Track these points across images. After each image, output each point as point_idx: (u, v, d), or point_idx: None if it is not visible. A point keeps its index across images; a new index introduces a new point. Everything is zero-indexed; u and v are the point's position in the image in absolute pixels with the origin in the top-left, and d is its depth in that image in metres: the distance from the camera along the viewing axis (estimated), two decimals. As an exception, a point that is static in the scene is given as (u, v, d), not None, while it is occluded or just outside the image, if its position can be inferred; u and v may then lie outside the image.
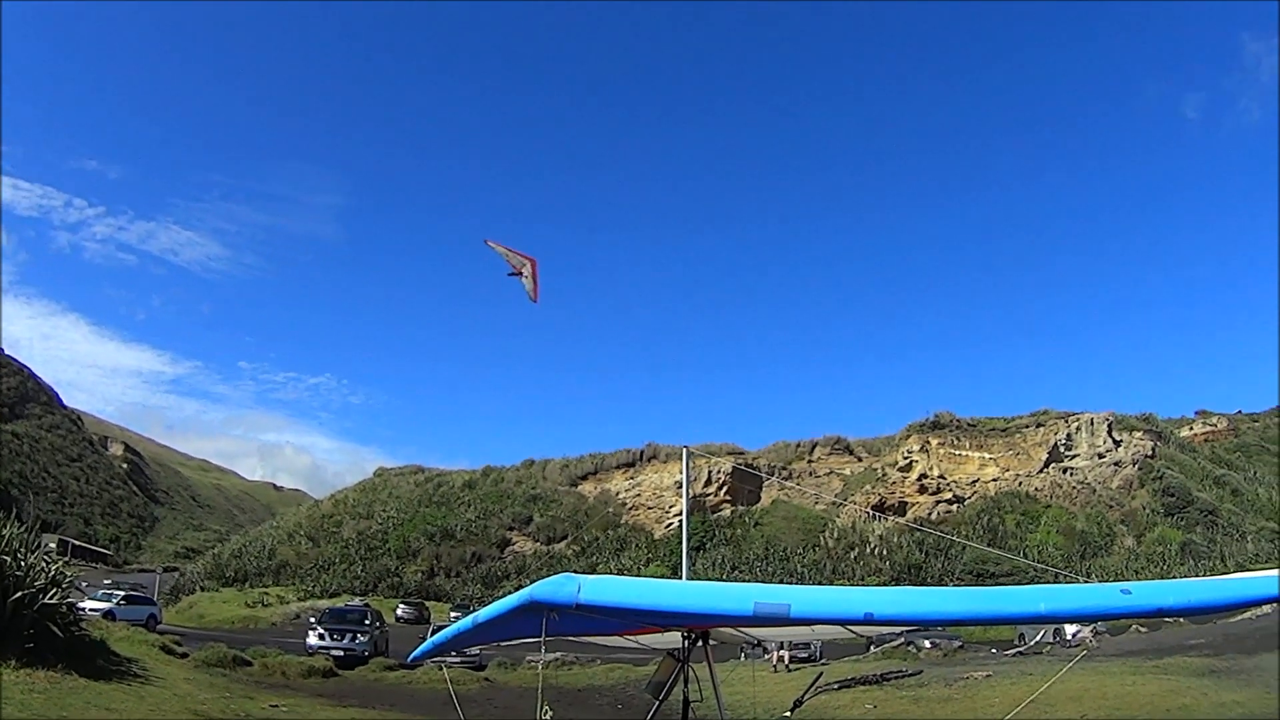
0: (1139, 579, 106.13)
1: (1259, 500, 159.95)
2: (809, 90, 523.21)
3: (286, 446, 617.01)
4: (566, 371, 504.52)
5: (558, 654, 63.77)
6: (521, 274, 41.87)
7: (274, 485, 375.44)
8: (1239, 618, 69.75)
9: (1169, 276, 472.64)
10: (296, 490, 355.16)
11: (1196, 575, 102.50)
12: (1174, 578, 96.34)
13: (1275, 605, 50.61)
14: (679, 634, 13.90)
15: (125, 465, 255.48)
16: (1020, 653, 73.25)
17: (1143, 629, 78.36)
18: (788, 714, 17.34)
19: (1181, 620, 67.54)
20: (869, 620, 10.36)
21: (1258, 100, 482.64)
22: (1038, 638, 77.12)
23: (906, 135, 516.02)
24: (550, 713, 12.79)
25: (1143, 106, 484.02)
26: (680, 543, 28.55)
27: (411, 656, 20.68)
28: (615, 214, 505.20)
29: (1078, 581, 18.64)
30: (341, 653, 61.42)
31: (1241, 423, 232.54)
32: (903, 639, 75.54)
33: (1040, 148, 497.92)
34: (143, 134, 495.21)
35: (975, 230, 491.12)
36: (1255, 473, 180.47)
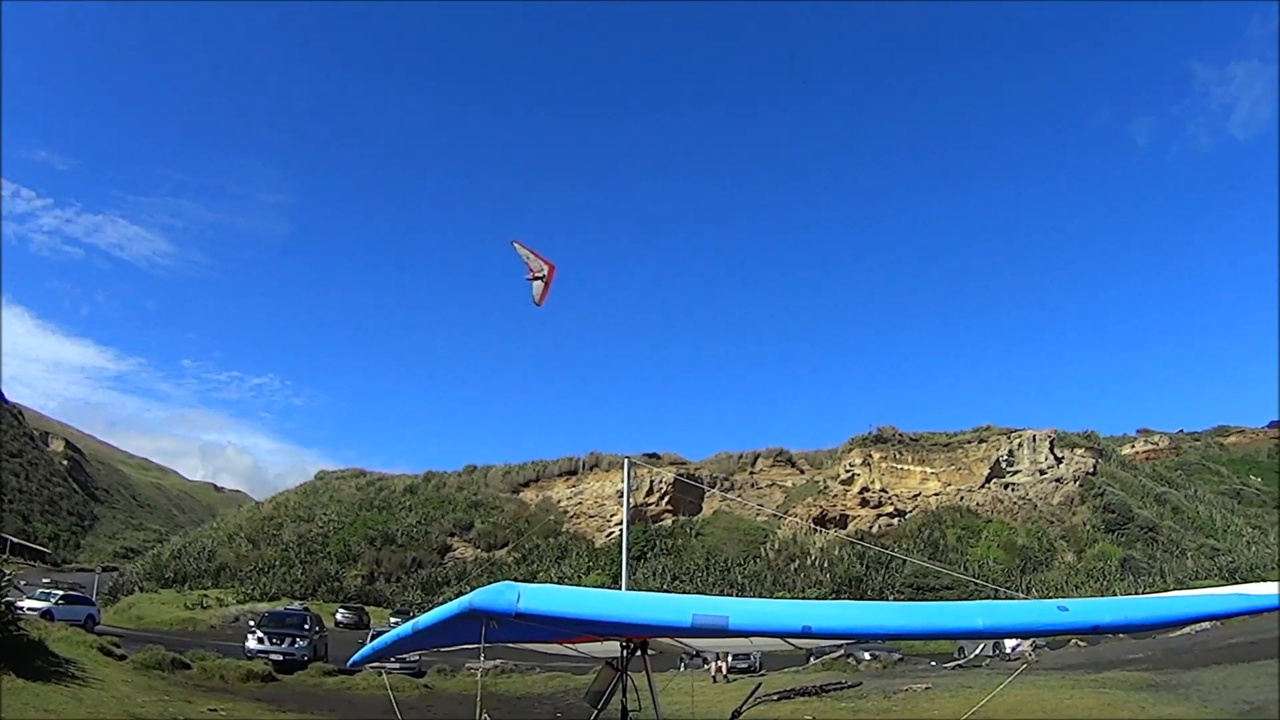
0: (1079, 594, 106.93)
1: (1199, 518, 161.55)
2: (755, 98, 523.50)
3: (228, 447, 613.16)
4: (510, 378, 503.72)
5: (497, 661, 63.69)
6: (539, 278, 42.04)
7: (215, 486, 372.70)
8: (1178, 634, 70.25)
9: (1112, 297, 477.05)
10: (237, 491, 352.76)
11: (1136, 591, 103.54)
12: (1114, 594, 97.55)
13: (1216, 622, 51.00)
14: (618, 643, 13.91)
15: (66, 462, 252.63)
16: (960, 666, 73.64)
17: (1082, 643, 78.87)
18: None
19: (1121, 635, 67.87)
20: (807, 633, 10.39)
21: (1206, 127, 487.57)
22: (977, 651, 77.41)
23: (851, 152, 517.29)
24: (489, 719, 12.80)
25: (1092, 130, 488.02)
26: (621, 552, 28.49)
27: (351, 661, 20.59)
28: (560, 221, 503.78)
29: (1017, 597, 18.83)
30: (281, 657, 60.98)
31: (1183, 441, 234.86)
32: (842, 651, 75.64)
33: (988, 168, 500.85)
34: (93, 126, 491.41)
35: (920, 247, 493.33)
36: (1196, 491, 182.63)
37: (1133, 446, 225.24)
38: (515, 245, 41.64)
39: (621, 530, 32.26)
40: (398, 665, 57.82)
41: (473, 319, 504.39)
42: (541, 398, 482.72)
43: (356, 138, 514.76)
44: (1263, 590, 10.86)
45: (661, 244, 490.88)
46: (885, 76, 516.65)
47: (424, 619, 12.66)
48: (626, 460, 30.06)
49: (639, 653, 13.89)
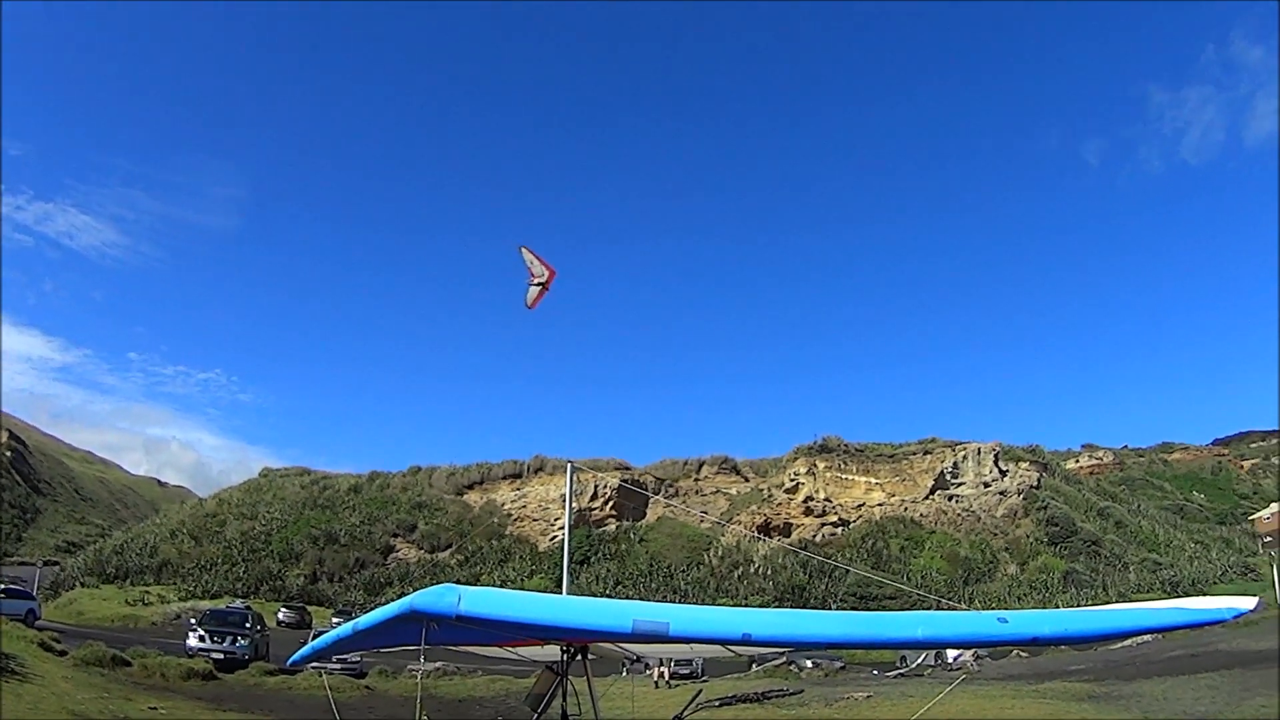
0: (1021, 606, 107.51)
1: (1142, 532, 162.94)
2: (711, 105, 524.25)
3: (173, 442, 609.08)
4: (456, 379, 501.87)
5: (439, 663, 63.55)
6: (539, 283, 42.16)
7: (158, 481, 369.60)
8: (1119, 646, 70.63)
9: (1059, 313, 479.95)
10: (181, 487, 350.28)
11: (1078, 604, 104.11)
12: (1056, 606, 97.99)
13: (1158, 635, 51.45)
14: (559, 647, 13.91)
15: (9, 454, 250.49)
16: (901, 674, 73.81)
17: (1023, 654, 79.25)
18: None
19: (1062, 646, 68.25)
20: (747, 640, 10.42)
21: (1158, 150, 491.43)
22: (919, 660, 77.66)
23: (804, 164, 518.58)
24: (429, 722, 12.77)
25: (1044, 150, 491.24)
26: (563, 556, 28.70)
27: (291, 660, 20.52)
28: (510, 222, 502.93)
29: (959, 608, 18.88)
30: (221, 655, 60.61)
31: (1127, 457, 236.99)
32: (784, 658, 75.93)
33: (938, 184, 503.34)
34: (47, 112, 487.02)
35: (867, 259, 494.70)
36: (1139, 506, 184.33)
37: (1077, 461, 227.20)
38: (523, 250, 41.87)
39: (569, 533, 32.31)
40: (339, 666, 57.60)
41: (420, 319, 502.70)
42: (487, 400, 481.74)
43: (309, 133, 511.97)
44: (1204, 604, 10.94)
45: (610, 250, 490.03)
46: (844, 89, 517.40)
47: (365, 619, 12.63)
48: (570, 464, 30.08)
49: (580, 657, 13.89)
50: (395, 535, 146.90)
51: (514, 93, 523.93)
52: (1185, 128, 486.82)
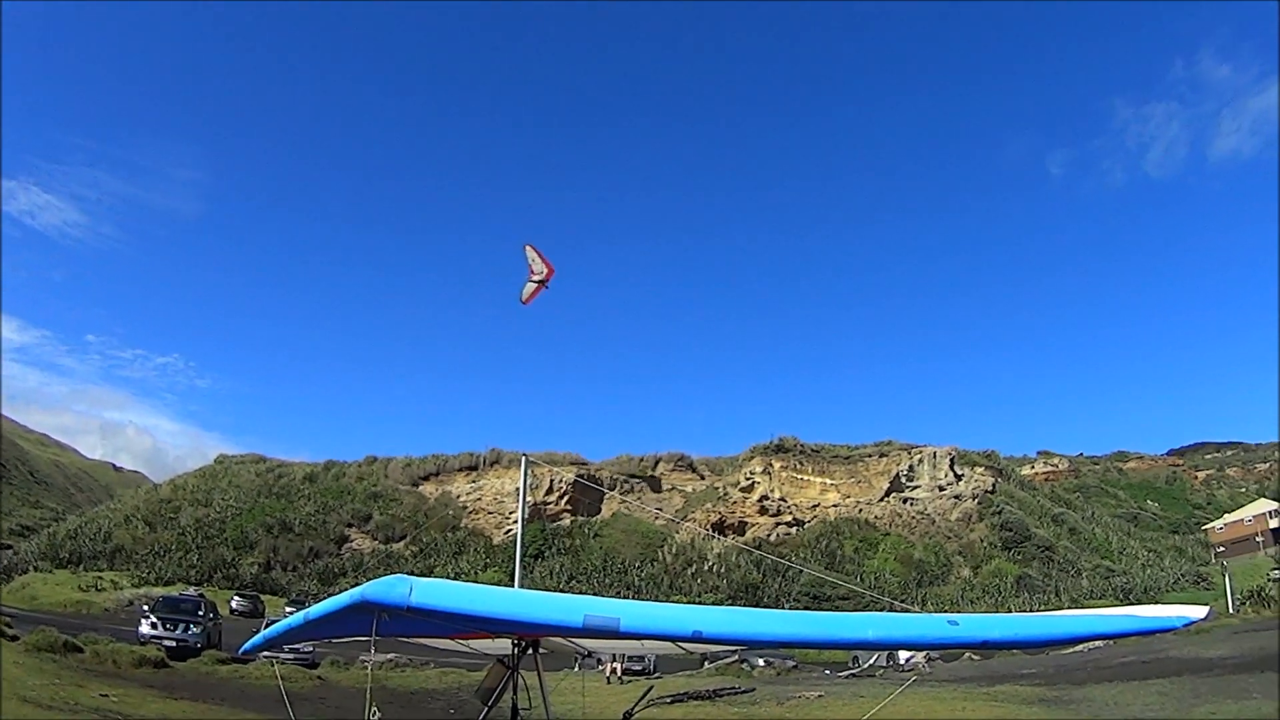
0: (973, 609, 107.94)
1: (1096, 539, 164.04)
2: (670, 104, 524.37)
3: (129, 426, 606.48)
4: (413, 370, 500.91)
5: (391, 655, 63.41)
6: (538, 280, 42.44)
7: (114, 465, 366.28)
8: (1071, 651, 71.01)
9: (1017, 320, 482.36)
10: (136, 472, 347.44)
11: (1030, 609, 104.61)
12: (1008, 610, 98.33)
13: (1110, 641, 51.46)
14: (510, 641, 13.89)
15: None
16: (853, 675, 73.96)
17: (975, 657, 79.49)
18: None
19: (1014, 651, 68.54)
20: (698, 638, 10.43)
21: (1121, 163, 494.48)
22: (871, 661, 77.83)
23: (767, 164, 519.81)
24: (379, 714, 12.69)
25: (1009, 159, 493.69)
26: (516, 549, 28.81)
27: (243, 649, 20.43)
28: (470, 216, 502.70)
29: (912, 609, 18.93)
30: (174, 643, 60.24)
31: (1082, 465, 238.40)
32: (736, 656, 75.97)
33: (902, 188, 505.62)
34: (10, 88, 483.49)
35: (828, 262, 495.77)
36: (1093, 513, 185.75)
37: (1032, 467, 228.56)
38: (528, 248, 42.10)
39: (522, 527, 32.37)
40: (291, 656, 57.31)
41: (380, 309, 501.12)
42: (445, 391, 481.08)
43: (273, 120, 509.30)
44: (1156, 612, 10.99)
45: (571, 248, 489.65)
46: (812, 93, 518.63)
47: (316, 609, 12.58)
48: (524, 458, 30.05)
49: (530, 651, 13.87)
50: (350, 525, 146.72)
51: (480, 84, 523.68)
52: (1150, 142, 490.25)
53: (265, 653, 38.20)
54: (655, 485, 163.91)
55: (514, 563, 30.70)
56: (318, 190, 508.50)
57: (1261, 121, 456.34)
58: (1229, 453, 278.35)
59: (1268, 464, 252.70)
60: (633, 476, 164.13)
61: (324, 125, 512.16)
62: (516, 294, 49.41)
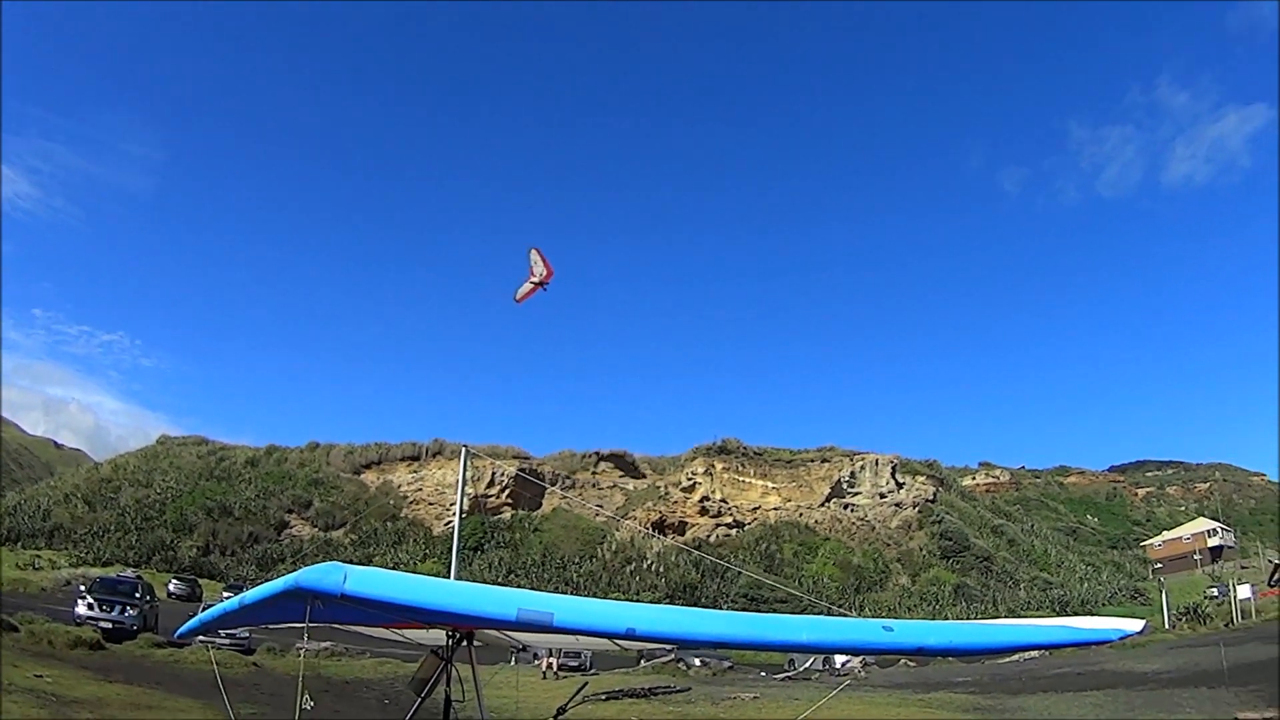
0: (911, 617, 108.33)
1: (1034, 551, 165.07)
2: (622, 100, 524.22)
3: (72, 403, 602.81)
4: (359, 358, 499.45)
5: (327, 644, 63.17)
6: (535, 280, 43.05)
7: (55, 442, 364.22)
8: (1007, 660, 71.36)
9: (964, 332, 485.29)
10: (77, 450, 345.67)
11: (968, 617, 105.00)
12: (945, 618, 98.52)
13: (1045, 652, 51.69)
14: (444, 632, 13.85)
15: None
16: (789, 677, 74.20)
17: (911, 663, 79.72)
18: None
19: (950, 658, 68.79)
20: (631, 635, 10.42)
21: (1075, 182, 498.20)
22: (807, 664, 78.00)
23: (721, 166, 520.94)
24: (311, 702, 12.68)
25: (962, 172, 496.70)
26: (453, 540, 28.83)
27: (178, 633, 20.30)
28: (421, 208, 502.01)
29: (849, 615, 18.91)
30: (110, 625, 59.76)
31: (1024, 477, 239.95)
32: (672, 655, 75.95)
33: (852, 195, 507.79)
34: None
35: (776, 265, 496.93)
36: (1033, 525, 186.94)
37: (974, 478, 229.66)
38: (533, 250, 42.62)
39: (461, 518, 32.31)
40: (228, 641, 57.00)
41: (326, 296, 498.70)
42: (390, 380, 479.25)
43: (228, 100, 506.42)
44: (1091, 624, 11.05)
45: (516, 241, 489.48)
46: (770, 100, 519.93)
47: (250, 594, 12.51)
48: (464, 449, 30.06)
49: (465, 643, 13.84)
50: (290, 511, 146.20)
51: (434, 72, 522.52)
52: (1104, 164, 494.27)
53: (201, 637, 37.98)
54: (596, 482, 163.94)
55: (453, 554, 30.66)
56: (271, 173, 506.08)
57: (1216, 149, 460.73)
58: (1170, 471, 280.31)
59: (1208, 484, 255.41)
60: (574, 472, 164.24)
61: (280, 108, 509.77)
62: (517, 296, 49.75)
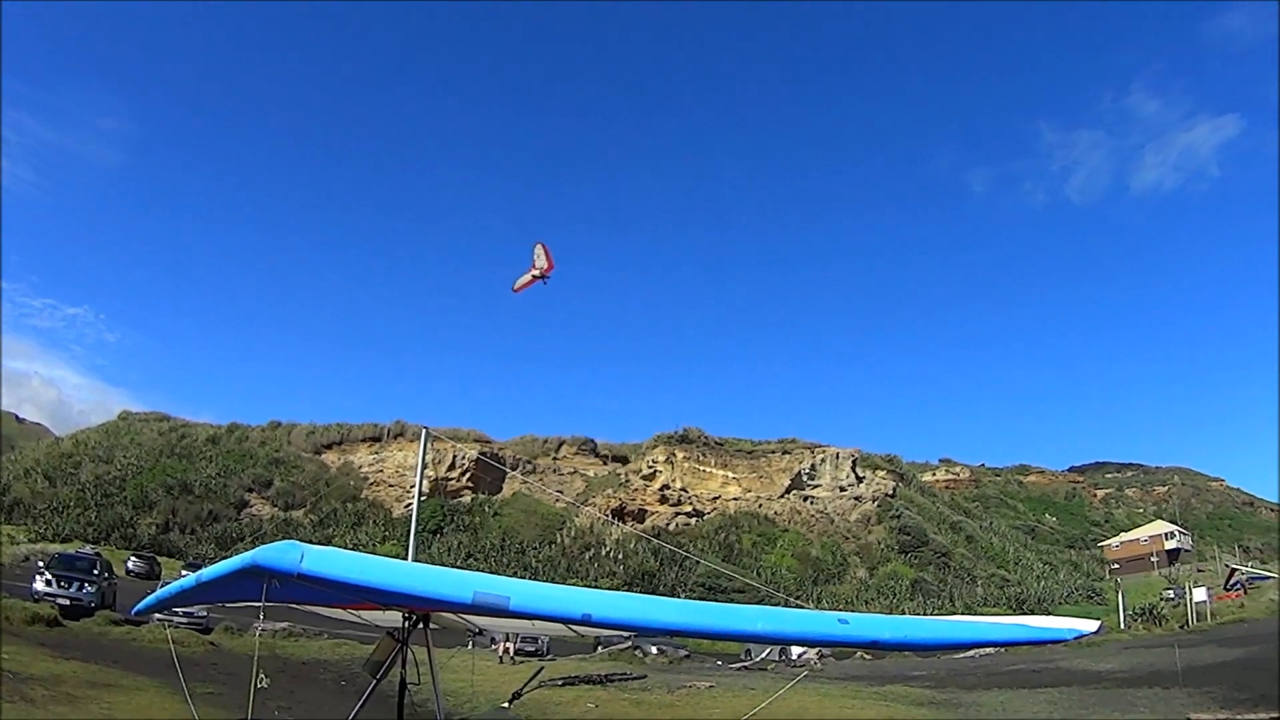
0: (867, 611, 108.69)
1: (992, 549, 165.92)
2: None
3: (34, 377, 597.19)
4: (321, 337, 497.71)
5: (285, 624, 63.05)
6: (536, 273, 43.60)
7: (16, 416, 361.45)
8: (963, 655, 71.70)
9: (928, 328, 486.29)
10: (39, 424, 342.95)
11: (924, 613, 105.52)
12: (902, 613, 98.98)
13: (999, 648, 52.16)
14: (400, 614, 13.87)
15: None
16: (745, 667, 74.41)
17: (867, 656, 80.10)
18: (505, 704, 17.41)
19: (906, 653, 69.08)
20: (587, 621, 10.46)
21: (1043, 185, 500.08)
22: (763, 655, 78.23)
23: (690, 158, 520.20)
24: (267, 681, 12.70)
25: (930, 171, 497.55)
26: (412, 522, 28.94)
27: (135, 610, 20.24)
28: (384, 187, 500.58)
29: (806, 607, 18.95)
30: (68, 601, 59.77)
31: (984, 475, 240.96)
32: (629, 642, 76.17)
33: (819, 189, 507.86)
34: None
35: (743, 257, 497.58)
36: (991, 523, 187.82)
37: (934, 474, 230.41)
38: (539, 245, 43.14)
39: (421, 501, 32.34)
40: (185, 620, 56.96)
41: (291, 274, 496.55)
42: (352, 360, 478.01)
43: (202, 76, 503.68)
44: (1047, 623, 11.14)
45: (476, 227, 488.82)
46: (744, 95, 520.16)
47: (207, 572, 12.50)
48: (424, 430, 30.05)
49: (421, 625, 13.87)
50: (250, 490, 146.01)
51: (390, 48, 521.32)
52: (1073, 167, 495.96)
53: (158, 615, 37.79)
54: (557, 467, 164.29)
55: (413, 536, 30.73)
56: (240, 151, 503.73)
57: (1186, 157, 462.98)
58: (1129, 474, 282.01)
59: (1166, 487, 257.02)
60: (536, 457, 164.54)
61: (251, 87, 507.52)
62: (516, 286, 50.24)
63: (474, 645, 58.07)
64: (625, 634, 54.72)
